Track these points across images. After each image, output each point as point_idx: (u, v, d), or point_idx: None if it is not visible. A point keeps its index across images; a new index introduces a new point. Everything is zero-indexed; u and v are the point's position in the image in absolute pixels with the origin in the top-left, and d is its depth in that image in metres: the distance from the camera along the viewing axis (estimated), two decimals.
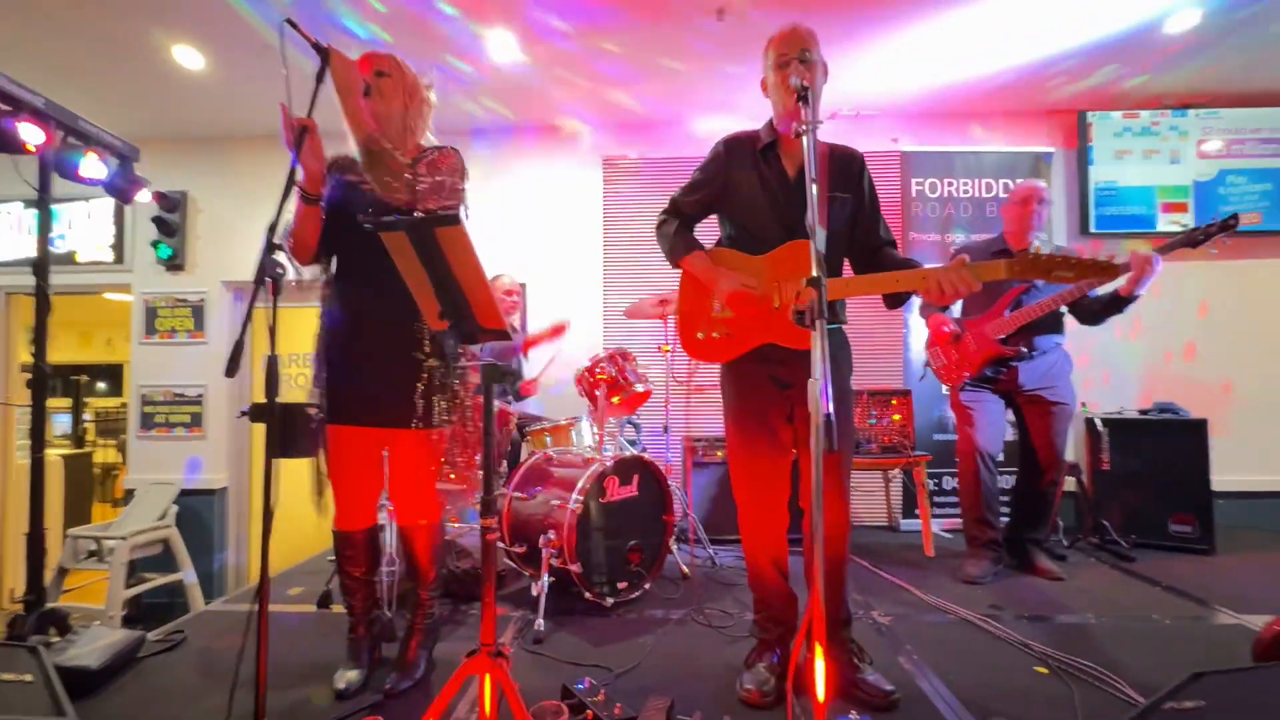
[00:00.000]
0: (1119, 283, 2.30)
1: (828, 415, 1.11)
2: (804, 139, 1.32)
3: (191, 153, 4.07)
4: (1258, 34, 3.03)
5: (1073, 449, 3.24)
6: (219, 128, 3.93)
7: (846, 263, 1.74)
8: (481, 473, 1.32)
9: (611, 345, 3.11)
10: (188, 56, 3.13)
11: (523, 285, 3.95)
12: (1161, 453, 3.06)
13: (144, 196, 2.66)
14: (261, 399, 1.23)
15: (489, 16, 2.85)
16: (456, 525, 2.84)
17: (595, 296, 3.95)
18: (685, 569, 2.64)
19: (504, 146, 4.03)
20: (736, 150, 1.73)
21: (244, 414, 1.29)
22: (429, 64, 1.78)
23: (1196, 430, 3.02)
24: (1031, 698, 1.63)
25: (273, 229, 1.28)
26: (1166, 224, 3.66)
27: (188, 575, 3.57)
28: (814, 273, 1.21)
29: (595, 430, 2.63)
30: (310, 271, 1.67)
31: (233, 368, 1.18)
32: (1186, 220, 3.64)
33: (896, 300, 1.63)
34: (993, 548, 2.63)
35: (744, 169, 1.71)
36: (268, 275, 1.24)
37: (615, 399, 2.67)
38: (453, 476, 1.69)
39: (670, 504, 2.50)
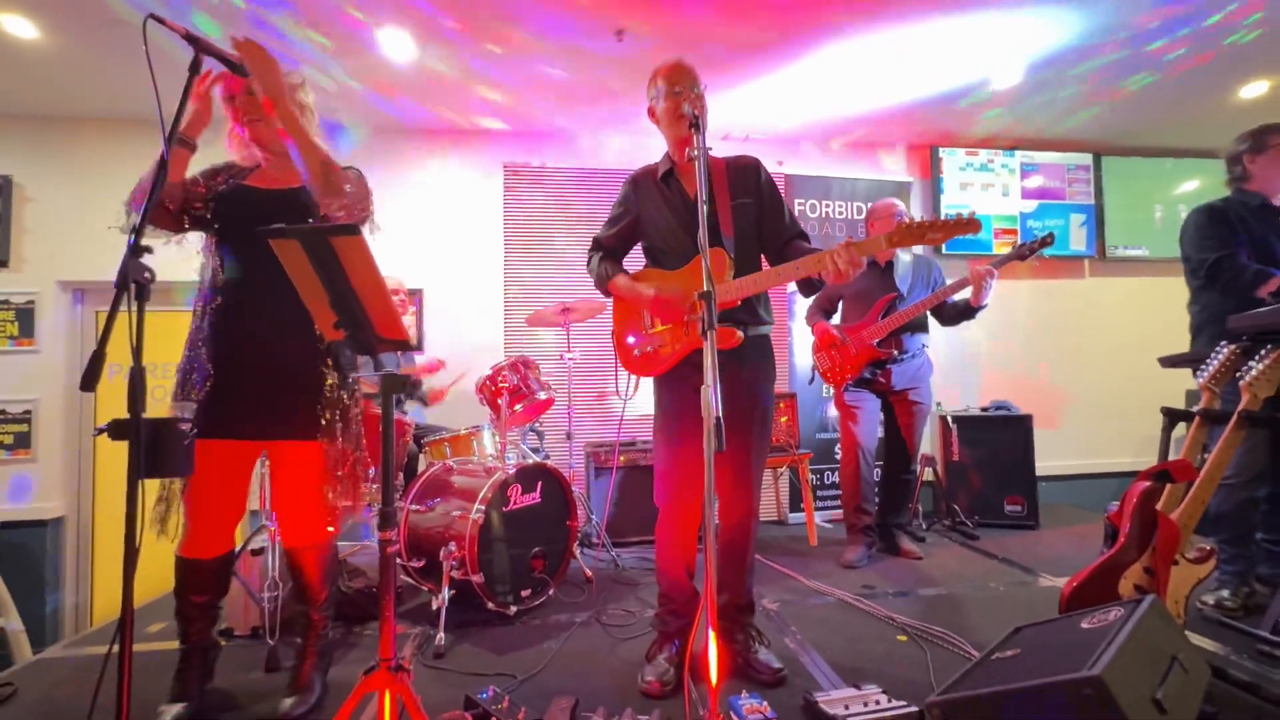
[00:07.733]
0: (968, 294, 2.73)
1: (718, 418, 1.22)
2: (695, 163, 1.44)
3: (18, 133, 3.53)
4: (1063, 92, 3.64)
5: (929, 442, 3.69)
6: (53, 106, 3.44)
7: (764, 260, 1.86)
8: (380, 485, 1.29)
9: (513, 353, 3.09)
10: (18, 25, 2.74)
11: (420, 290, 3.83)
12: (997, 444, 3.57)
13: None
14: (117, 414, 1.12)
15: (388, 17, 2.76)
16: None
17: (496, 304, 3.90)
18: (589, 572, 2.69)
19: (404, 147, 3.89)
20: (641, 184, 1.87)
21: (101, 431, 1.16)
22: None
23: (1024, 424, 3.55)
24: (894, 661, 1.86)
25: (138, 230, 1.18)
26: (999, 247, 4.28)
27: (9, 623, 3.05)
28: (705, 287, 1.32)
29: (498, 439, 2.61)
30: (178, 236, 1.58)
31: (90, 380, 1.07)
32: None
33: (810, 287, 1.77)
34: (868, 533, 2.93)
35: (650, 198, 1.84)
36: (133, 279, 1.14)
37: (518, 407, 2.67)
38: (332, 495, 1.62)
39: (574, 509, 2.53)
